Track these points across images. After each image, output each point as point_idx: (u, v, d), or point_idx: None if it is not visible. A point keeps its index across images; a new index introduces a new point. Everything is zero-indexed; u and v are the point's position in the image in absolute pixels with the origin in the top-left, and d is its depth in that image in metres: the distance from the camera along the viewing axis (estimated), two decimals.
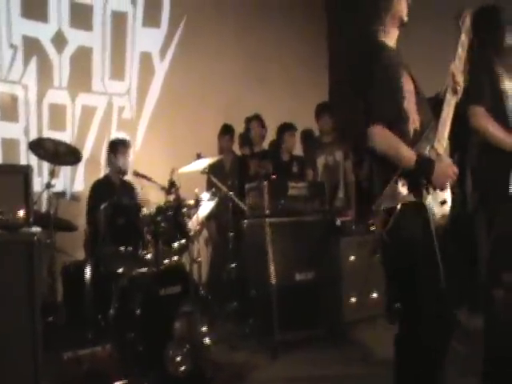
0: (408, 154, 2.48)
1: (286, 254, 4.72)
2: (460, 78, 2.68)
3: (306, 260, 4.80)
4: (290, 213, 4.87)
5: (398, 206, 2.46)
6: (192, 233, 4.43)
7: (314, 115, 6.35)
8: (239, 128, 6.60)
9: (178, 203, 4.29)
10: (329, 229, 5.06)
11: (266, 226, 4.73)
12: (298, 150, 6.91)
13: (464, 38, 2.72)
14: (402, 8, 2.67)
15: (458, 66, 2.69)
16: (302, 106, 6.87)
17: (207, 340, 3.86)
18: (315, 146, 6.38)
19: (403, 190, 2.48)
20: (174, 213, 4.22)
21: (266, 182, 4.86)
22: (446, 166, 2.54)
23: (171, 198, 4.44)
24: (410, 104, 2.56)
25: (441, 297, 2.50)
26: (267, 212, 4.79)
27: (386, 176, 2.51)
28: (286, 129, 6.28)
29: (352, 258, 5.05)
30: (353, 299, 4.99)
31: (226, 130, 6.51)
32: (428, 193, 2.51)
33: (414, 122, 2.56)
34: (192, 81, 7.02)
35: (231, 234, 5.51)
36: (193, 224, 4.59)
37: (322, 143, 6.28)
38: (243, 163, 6.26)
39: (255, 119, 6.39)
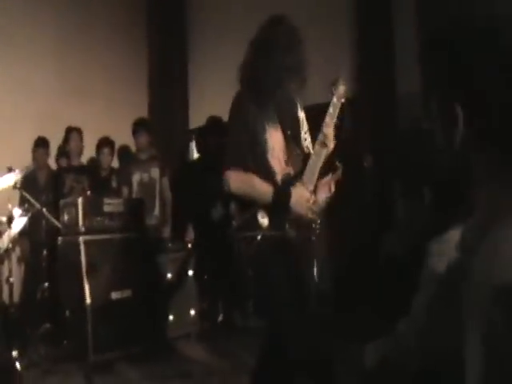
0: (264, 188, 2.58)
1: (101, 273, 4.64)
2: (328, 132, 2.81)
3: (122, 278, 4.74)
4: (105, 230, 4.79)
5: (258, 237, 2.53)
6: (3, 251, 4.21)
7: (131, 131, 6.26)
8: (54, 142, 6.33)
9: None
10: (145, 246, 5.03)
11: (81, 244, 4.61)
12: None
13: (336, 101, 2.87)
14: None
15: (327, 123, 2.82)
16: (122, 121, 6.79)
17: (18, 365, 3.66)
18: (131, 162, 6.27)
19: (263, 221, 2.54)
20: None
21: (80, 198, 4.73)
22: (303, 193, 2.64)
23: None
24: (273, 159, 2.69)
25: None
26: (82, 229, 4.68)
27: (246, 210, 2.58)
28: (103, 144, 6.16)
29: (169, 275, 5.07)
30: (170, 317, 5.01)
31: (41, 143, 6.21)
32: (292, 227, 2.59)
33: (277, 174, 2.68)
34: (5, 90, 6.64)
35: (45, 252, 5.28)
36: (3, 242, 4.36)
37: (138, 160, 6.15)
38: (59, 178, 6.02)
39: (75, 131, 6.19)
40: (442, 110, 1.01)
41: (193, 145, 6.75)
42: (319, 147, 2.79)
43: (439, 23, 1.06)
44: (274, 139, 2.73)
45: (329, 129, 2.83)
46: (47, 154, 6.29)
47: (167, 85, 8.27)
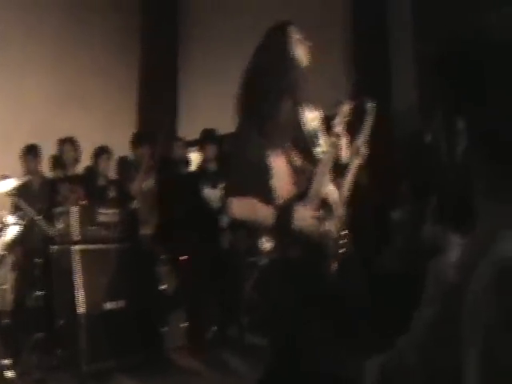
0: (266, 211, 2.56)
1: (95, 283, 4.63)
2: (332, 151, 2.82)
3: (116, 288, 4.73)
4: (100, 240, 4.79)
5: (262, 262, 2.53)
6: None
7: (129, 144, 6.27)
8: (51, 150, 6.31)
9: None
10: (140, 257, 5.03)
11: (75, 253, 4.61)
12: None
13: (339, 120, 2.87)
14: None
15: (332, 143, 2.83)
16: (117, 130, 6.81)
17: (9, 373, 3.64)
18: (129, 171, 6.27)
19: (267, 246, 2.53)
20: None
21: (75, 208, 4.72)
22: (306, 212, 2.60)
23: None
24: (279, 182, 2.67)
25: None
26: (76, 238, 4.67)
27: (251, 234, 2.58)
28: (100, 152, 6.15)
29: (163, 286, 5.06)
30: (164, 328, 5.00)
31: (29, 150, 6.16)
32: (298, 247, 2.57)
33: (281, 197, 2.65)
34: (1, 98, 6.64)
35: (39, 260, 5.26)
36: None
37: (138, 169, 6.15)
38: (53, 186, 6.00)
39: (68, 142, 6.16)
40: (446, 123, 1.03)
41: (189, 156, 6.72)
42: (323, 166, 2.81)
43: (439, 40, 1.08)
44: (278, 164, 2.73)
45: (333, 149, 2.85)
46: (37, 161, 6.23)
47: (157, 94, 8.32)
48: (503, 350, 0.84)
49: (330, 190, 2.91)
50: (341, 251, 2.73)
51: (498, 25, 0.97)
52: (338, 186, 2.89)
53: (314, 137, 2.95)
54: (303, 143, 2.88)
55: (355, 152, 2.97)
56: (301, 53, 2.83)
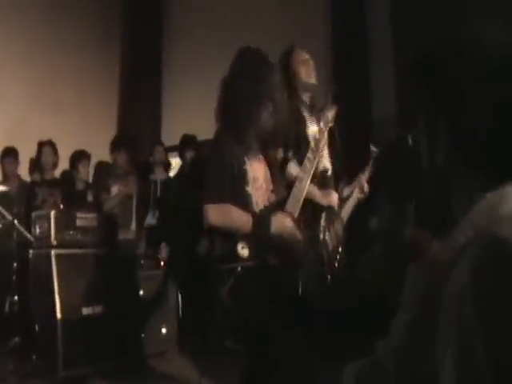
0: (243, 218, 2.58)
1: (73, 288, 4.58)
2: (314, 157, 2.87)
3: (94, 294, 4.68)
4: (78, 244, 4.75)
5: (239, 269, 2.51)
6: None
7: (108, 147, 6.23)
8: (25, 154, 6.24)
9: None
10: (118, 262, 4.99)
11: (53, 258, 4.55)
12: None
13: (323, 126, 2.98)
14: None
15: (313, 148, 2.92)
16: (95, 134, 6.75)
17: None
18: (109, 175, 6.21)
19: (243, 252, 2.52)
20: None
21: (53, 212, 4.68)
22: (284, 220, 2.64)
23: None
24: (255, 190, 2.70)
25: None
26: (54, 243, 4.63)
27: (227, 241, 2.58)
28: (79, 157, 6.11)
29: (141, 292, 5.03)
30: (142, 334, 4.96)
31: (8, 152, 6.13)
32: (274, 255, 2.58)
33: (258, 204, 2.69)
34: None
35: (15, 264, 5.18)
36: None
37: (115, 174, 6.15)
38: (31, 190, 5.94)
39: (48, 145, 6.11)
40: (427, 128, 1.04)
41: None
42: (303, 174, 2.82)
43: (420, 46, 1.09)
44: (256, 170, 2.74)
45: (315, 155, 2.86)
46: (16, 164, 6.20)
47: (139, 98, 8.24)
48: (477, 358, 0.85)
49: (325, 195, 2.97)
50: (336, 264, 2.78)
51: (475, 33, 0.99)
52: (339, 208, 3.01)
53: (299, 143, 2.99)
54: (302, 147, 2.92)
55: (359, 188, 3.17)
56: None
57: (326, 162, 3.27)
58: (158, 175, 6.34)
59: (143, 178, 6.20)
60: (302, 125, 3.18)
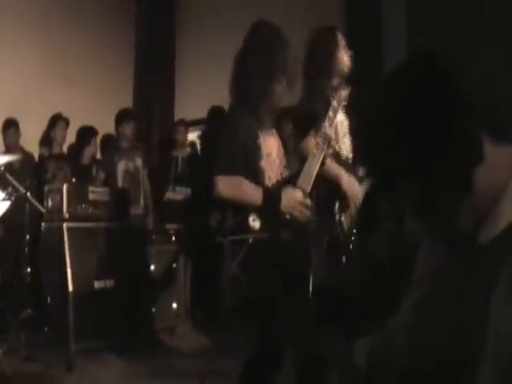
0: (253, 191, 2.58)
1: (84, 261, 4.60)
2: (326, 135, 2.85)
3: (105, 268, 4.71)
4: (89, 218, 4.76)
5: (250, 240, 2.51)
6: None
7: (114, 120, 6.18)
8: (32, 126, 6.24)
9: None
10: (129, 236, 5.00)
11: (65, 231, 4.56)
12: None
13: (336, 105, 2.93)
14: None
15: (326, 126, 2.87)
16: (105, 109, 6.71)
17: None
18: (115, 151, 6.15)
19: (255, 224, 2.53)
20: None
21: (65, 185, 4.69)
22: (294, 194, 2.63)
23: None
24: (268, 164, 2.69)
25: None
26: (66, 216, 4.63)
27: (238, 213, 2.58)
28: (87, 133, 6.11)
29: (152, 267, 5.04)
30: (153, 309, 4.98)
31: (9, 124, 6.10)
32: (285, 229, 2.59)
33: (271, 178, 2.69)
34: None
35: (27, 237, 5.22)
36: None
37: (121, 148, 6.08)
38: (42, 164, 5.98)
39: (62, 120, 6.11)
40: None
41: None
42: (316, 149, 2.80)
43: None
44: (270, 145, 2.74)
45: (327, 132, 2.85)
46: (17, 135, 6.17)
47: (153, 75, 8.22)
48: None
49: (351, 182, 2.97)
50: (350, 246, 2.77)
51: None
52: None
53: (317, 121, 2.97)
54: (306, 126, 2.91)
55: None
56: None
57: (347, 150, 3.27)
58: (179, 152, 6.35)
59: (164, 152, 6.19)
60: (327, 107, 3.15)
